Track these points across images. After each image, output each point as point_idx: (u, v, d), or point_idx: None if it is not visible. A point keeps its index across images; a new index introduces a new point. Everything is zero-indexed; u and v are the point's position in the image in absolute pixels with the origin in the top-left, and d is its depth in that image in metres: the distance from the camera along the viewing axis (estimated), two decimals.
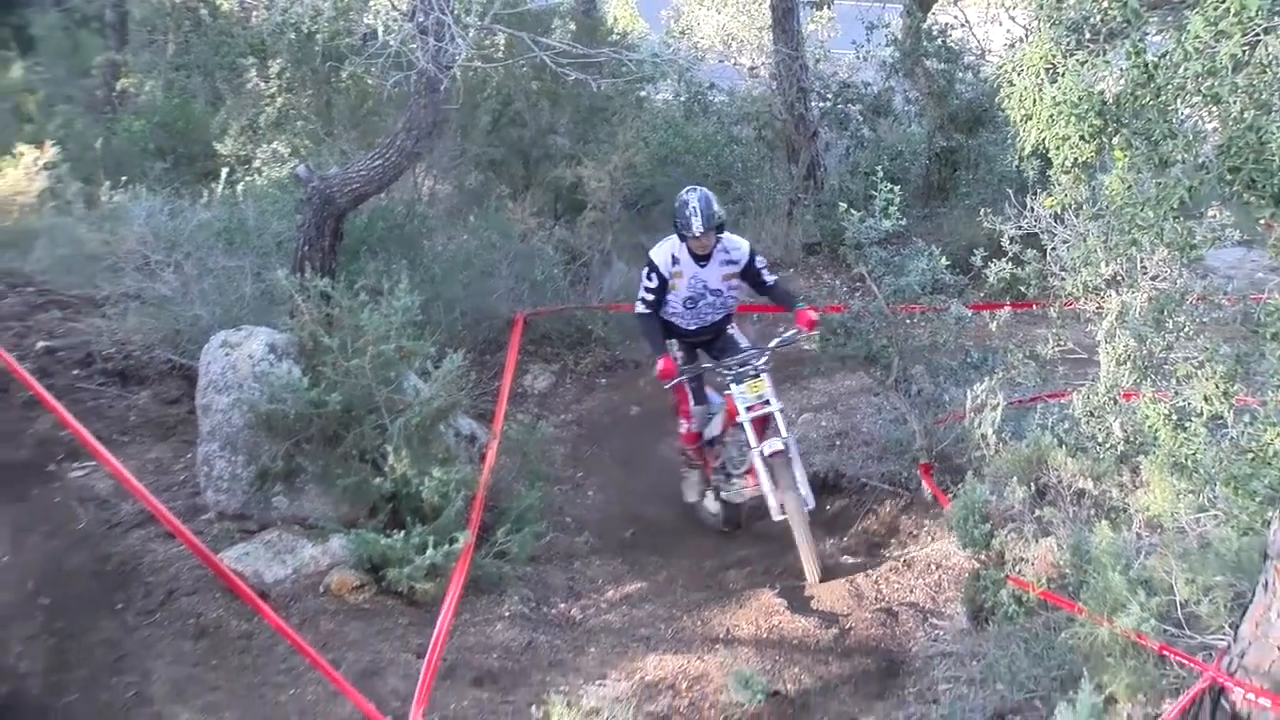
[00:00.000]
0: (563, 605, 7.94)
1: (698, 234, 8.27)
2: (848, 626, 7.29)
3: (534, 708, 6.65)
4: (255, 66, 13.40)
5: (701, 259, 8.59)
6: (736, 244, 8.76)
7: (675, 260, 8.58)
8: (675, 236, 8.55)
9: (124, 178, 13.55)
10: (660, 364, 8.53)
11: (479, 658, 7.25)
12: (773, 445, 8.23)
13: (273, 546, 7.96)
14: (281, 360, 8.29)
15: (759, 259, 8.77)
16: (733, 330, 9.09)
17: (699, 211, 8.24)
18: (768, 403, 8.33)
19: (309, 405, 7.95)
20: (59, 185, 14.70)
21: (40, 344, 10.59)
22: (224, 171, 13.05)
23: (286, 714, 6.79)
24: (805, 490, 8.22)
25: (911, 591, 7.61)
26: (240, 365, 8.33)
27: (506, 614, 7.74)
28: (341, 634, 7.35)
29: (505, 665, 7.24)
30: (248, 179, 12.84)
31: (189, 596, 7.65)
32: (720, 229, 8.52)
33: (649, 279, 8.63)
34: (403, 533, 7.62)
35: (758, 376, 8.38)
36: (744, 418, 8.35)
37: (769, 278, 8.80)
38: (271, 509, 8.22)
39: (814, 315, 8.56)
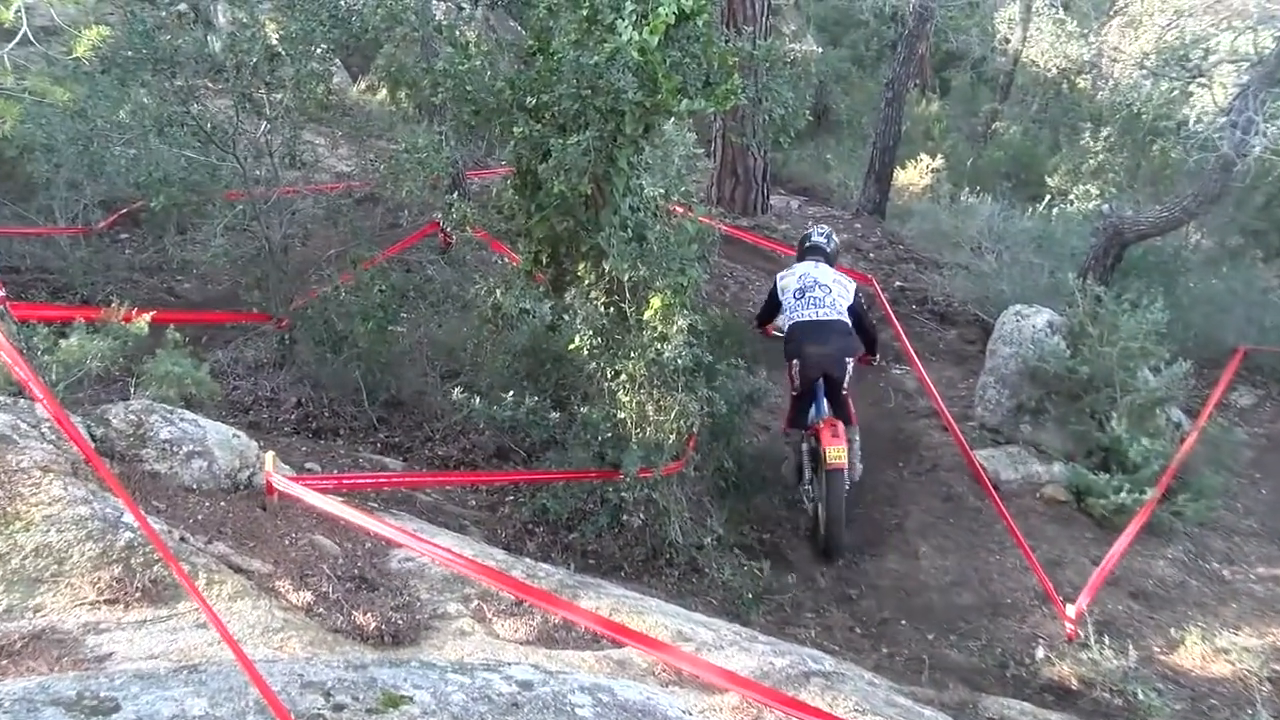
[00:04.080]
0: (1217, 565, 6.76)
1: None
2: None
3: (1173, 629, 5.81)
4: (1090, 130, 12.48)
5: None
6: None
7: None
8: None
9: (979, 187, 13.27)
10: None
11: (1139, 580, 6.39)
12: None
13: (1011, 456, 7.51)
14: (1054, 334, 7.72)
15: None
16: None
17: None
18: None
19: (1065, 369, 7.49)
20: (937, 184, 14.74)
21: (897, 283, 10.72)
22: (1047, 197, 12.36)
23: (989, 570, 6.47)
24: None
25: None
26: (1024, 330, 7.87)
27: (1169, 556, 6.73)
28: (1041, 530, 6.82)
29: (1158, 592, 6.33)
30: (1062, 206, 12.06)
31: (946, 472, 7.49)
32: None
33: None
34: (1107, 475, 7.02)
35: None
36: None
37: None
38: (1018, 431, 7.73)
39: None
